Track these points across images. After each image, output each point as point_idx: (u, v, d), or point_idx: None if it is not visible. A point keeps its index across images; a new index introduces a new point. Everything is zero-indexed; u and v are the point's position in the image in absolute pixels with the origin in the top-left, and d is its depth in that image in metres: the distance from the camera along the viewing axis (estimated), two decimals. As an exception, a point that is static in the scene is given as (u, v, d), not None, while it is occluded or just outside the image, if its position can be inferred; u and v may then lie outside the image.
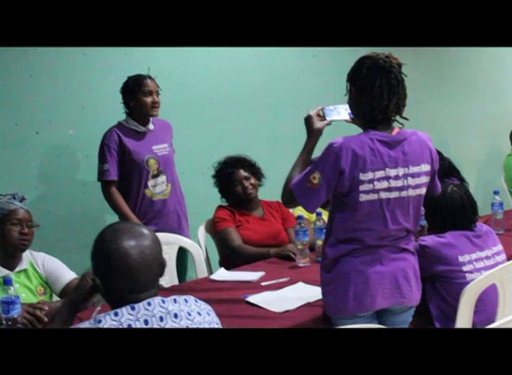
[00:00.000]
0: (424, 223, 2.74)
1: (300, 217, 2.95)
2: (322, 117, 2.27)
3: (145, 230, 1.59)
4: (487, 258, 2.51)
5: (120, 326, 1.46)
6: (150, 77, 3.30)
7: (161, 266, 1.61)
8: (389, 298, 2.15)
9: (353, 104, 2.17)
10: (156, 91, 3.29)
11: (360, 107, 2.13)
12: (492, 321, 2.39)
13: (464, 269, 2.45)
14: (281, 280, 2.72)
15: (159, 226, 3.34)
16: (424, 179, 2.15)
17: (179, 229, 3.45)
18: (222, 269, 3.00)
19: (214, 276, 2.90)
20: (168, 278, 3.23)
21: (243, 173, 3.36)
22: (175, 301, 1.57)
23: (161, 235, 3.21)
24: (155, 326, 1.49)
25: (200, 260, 3.25)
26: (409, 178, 2.11)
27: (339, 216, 2.14)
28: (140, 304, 1.50)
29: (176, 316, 1.53)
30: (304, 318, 2.26)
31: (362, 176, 2.05)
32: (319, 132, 2.25)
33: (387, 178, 2.07)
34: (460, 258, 2.46)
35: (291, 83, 4.44)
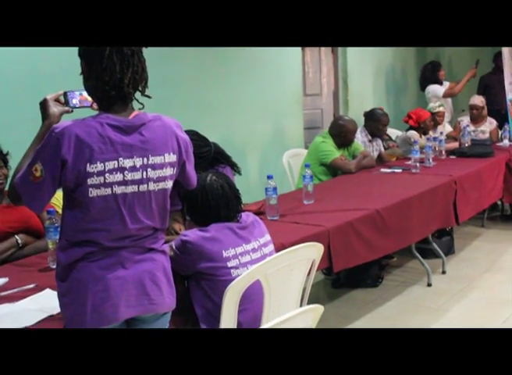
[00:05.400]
0: None
1: (50, 212, 2.55)
2: (63, 103, 1.98)
3: None
4: (253, 250, 2.33)
5: None
6: None
7: None
8: (135, 306, 1.88)
9: (84, 81, 1.86)
10: None
11: (91, 83, 1.82)
12: (259, 319, 2.24)
13: (229, 264, 2.25)
14: (25, 287, 2.32)
15: None
16: (169, 171, 1.89)
17: None
18: (-43, 277, 2.51)
19: None
20: None
21: None
22: None
23: None
24: None
25: None
26: (149, 170, 1.84)
27: (69, 215, 1.82)
28: None
29: None
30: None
31: (90, 168, 1.74)
32: (55, 117, 1.93)
33: (121, 170, 1.78)
34: (225, 253, 2.25)
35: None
